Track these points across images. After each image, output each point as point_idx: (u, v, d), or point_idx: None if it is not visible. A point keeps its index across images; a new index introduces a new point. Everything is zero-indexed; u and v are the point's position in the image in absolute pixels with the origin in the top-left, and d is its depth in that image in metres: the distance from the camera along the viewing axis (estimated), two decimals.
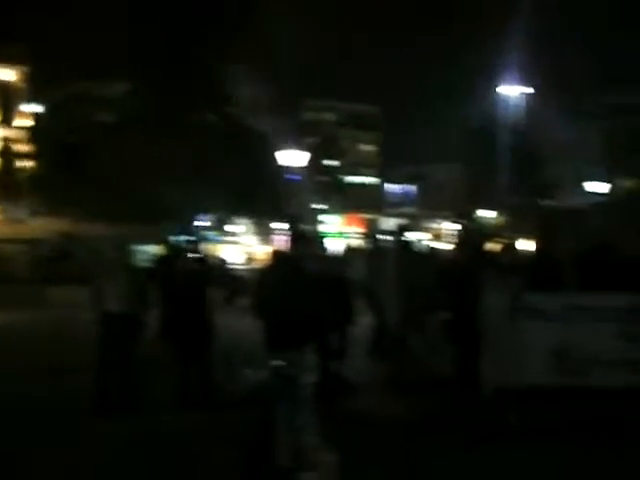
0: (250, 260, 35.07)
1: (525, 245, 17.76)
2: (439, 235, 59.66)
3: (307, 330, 6.22)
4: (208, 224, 36.46)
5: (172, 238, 22.44)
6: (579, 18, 44.63)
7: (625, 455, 6.61)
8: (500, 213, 44.65)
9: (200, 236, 27.64)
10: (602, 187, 36.50)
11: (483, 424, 7.62)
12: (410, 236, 11.10)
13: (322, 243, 10.39)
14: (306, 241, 6.87)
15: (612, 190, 37.67)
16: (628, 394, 8.30)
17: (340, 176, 60.31)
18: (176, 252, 11.70)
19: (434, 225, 67.08)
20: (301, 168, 33.40)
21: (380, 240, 11.17)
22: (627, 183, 40.36)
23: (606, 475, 6.22)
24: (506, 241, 10.23)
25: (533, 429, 7.11)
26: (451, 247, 14.59)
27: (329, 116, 64.84)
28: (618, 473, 6.21)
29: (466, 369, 9.16)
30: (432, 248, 14.72)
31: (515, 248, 9.92)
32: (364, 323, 10.73)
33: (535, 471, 6.14)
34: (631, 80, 41.03)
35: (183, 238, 21.66)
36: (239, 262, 33.07)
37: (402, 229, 10.63)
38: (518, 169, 39.54)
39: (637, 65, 42.48)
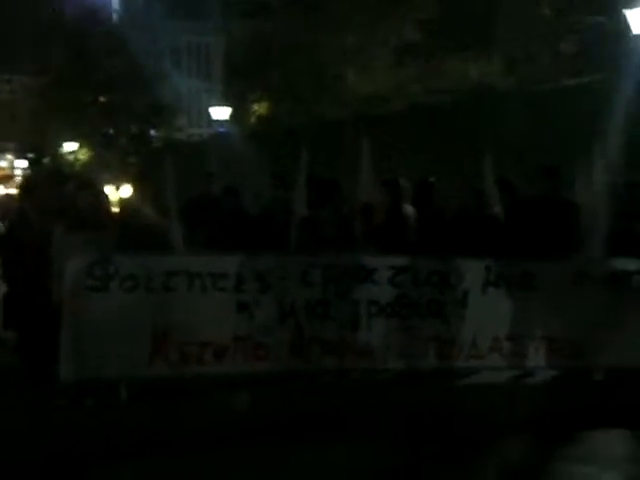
0: None
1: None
2: (8, 176, 58.24)
3: None
4: None
5: None
6: None
7: None
8: (90, 147, 44.82)
9: None
10: (225, 112, 38.35)
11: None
12: None
13: None
14: None
15: (236, 116, 39.74)
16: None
17: None
18: None
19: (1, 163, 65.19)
20: None
21: None
22: (256, 107, 42.89)
23: None
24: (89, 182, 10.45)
25: None
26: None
27: None
28: None
29: (36, 359, 9.31)
30: None
31: (100, 193, 10.21)
32: None
33: None
34: None
35: None
36: None
37: None
38: (119, 86, 39.98)
39: None
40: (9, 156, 64.20)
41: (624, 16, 19.94)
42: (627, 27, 19.42)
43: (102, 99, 40.23)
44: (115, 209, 10.90)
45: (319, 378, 9.59)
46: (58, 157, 47.90)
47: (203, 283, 9.28)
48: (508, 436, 7.96)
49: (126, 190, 31.19)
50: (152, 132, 43.28)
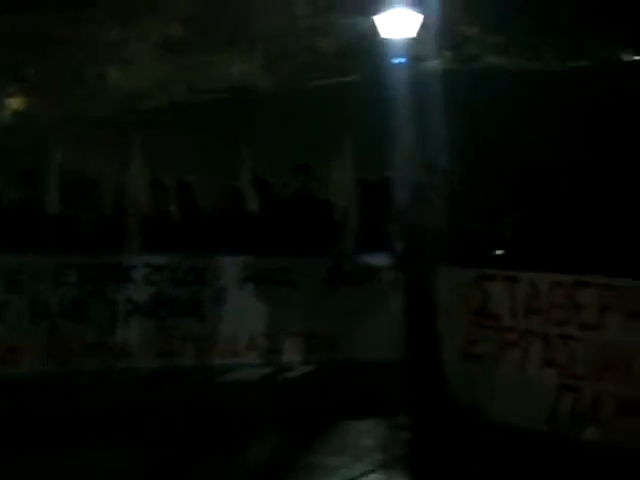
0: None
1: None
2: None
3: None
4: None
5: None
6: None
7: None
8: None
9: None
10: None
11: None
12: None
13: None
14: None
15: None
16: None
17: None
18: None
19: None
20: None
21: None
22: (14, 102, 41.53)
23: None
24: None
25: None
26: None
27: None
28: None
29: None
30: None
31: None
32: None
33: None
34: None
35: None
36: None
37: None
38: None
39: None
40: None
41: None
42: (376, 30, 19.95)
43: None
44: None
45: (76, 380, 9.41)
46: None
47: None
48: (264, 432, 8.06)
49: None
50: None
